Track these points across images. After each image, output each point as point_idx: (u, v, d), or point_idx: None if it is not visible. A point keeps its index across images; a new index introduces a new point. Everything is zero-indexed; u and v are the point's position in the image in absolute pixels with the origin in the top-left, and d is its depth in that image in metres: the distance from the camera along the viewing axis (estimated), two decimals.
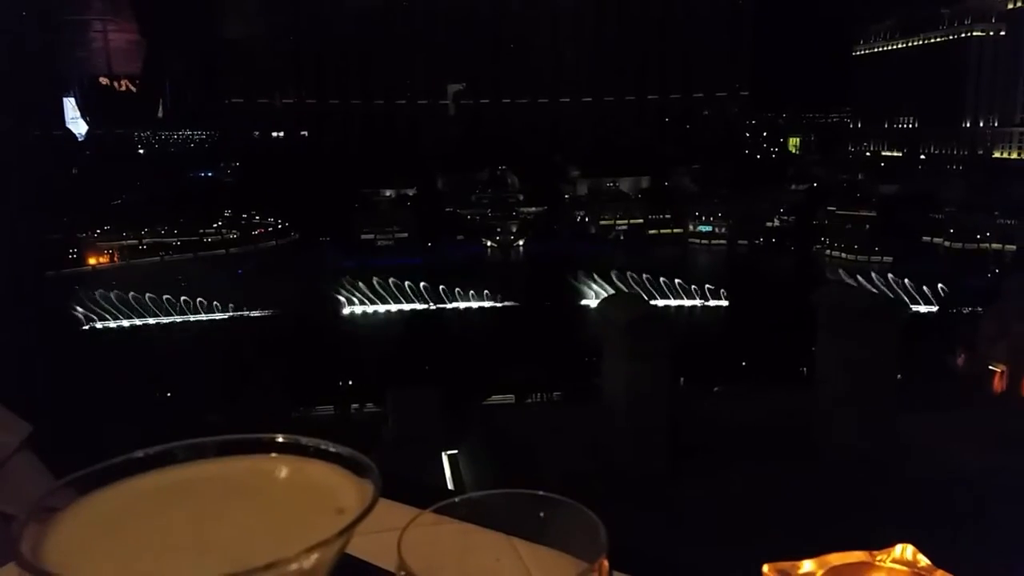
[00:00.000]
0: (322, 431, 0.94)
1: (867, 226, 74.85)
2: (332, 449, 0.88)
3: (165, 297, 65.01)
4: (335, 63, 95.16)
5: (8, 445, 1.80)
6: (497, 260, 78.19)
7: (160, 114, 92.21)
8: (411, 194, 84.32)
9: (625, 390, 9.63)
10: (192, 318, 64.78)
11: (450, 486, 12.32)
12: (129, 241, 75.20)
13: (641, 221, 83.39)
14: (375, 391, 33.88)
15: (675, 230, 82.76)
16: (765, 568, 1.27)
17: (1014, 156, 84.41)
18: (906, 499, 7.98)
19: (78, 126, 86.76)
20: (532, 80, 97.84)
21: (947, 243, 72.77)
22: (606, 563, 0.77)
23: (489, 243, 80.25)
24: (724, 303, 67.51)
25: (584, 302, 64.48)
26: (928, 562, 1.24)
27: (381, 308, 68.68)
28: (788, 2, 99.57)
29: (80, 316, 63.59)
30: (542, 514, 0.84)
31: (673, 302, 66.80)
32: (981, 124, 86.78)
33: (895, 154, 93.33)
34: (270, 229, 79.73)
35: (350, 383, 45.10)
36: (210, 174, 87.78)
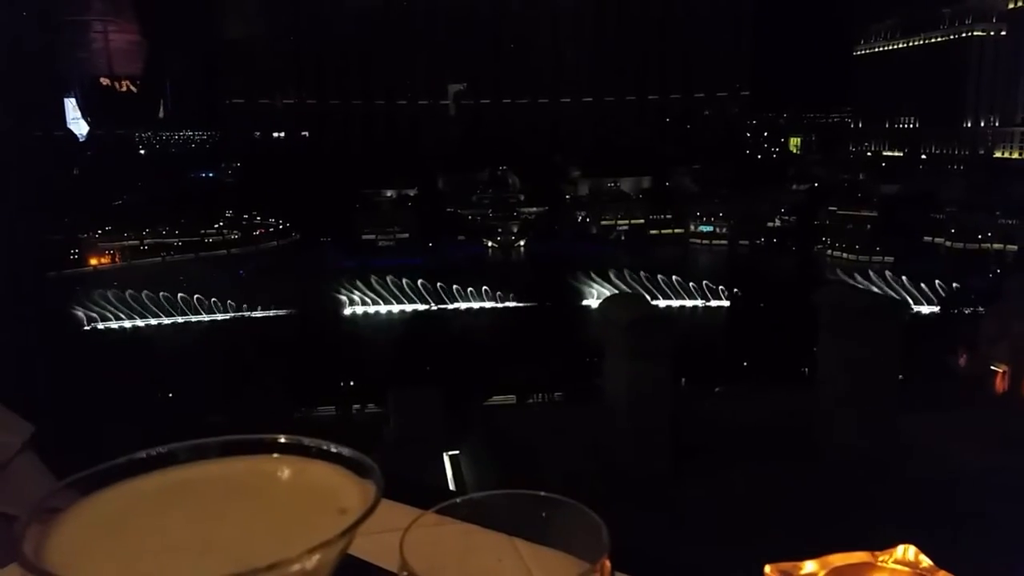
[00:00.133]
0: (323, 431, 0.95)
1: (868, 226, 74.81)
2: (334, 450, 0.88)
3: (165, 296, 65.04)
4: (336, 63, 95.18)
5: (10, 446, 1.80)
6: (498, 260, 78.19)
7: (161, 115, 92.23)
8: (412, 194, 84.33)
9: (626, 390, 9.62)
10: (193, 319, 64.82)
11: (452, 487, 12.32)
12: (130, 242, 75.21)
13: (642, 221, 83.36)
14: (376, 391, 33.88)
15: (676, 230, 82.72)
16: (767, 568, 1.28)
17: (1015, 156, 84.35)
18: (908, 499, 7.98)
19: (79, 126, 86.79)
20: (533, 80, 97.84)
21: (948, 243, 72.72)
22: (608, 563, 0.77)
23: (490, 243, 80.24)
24: (725, 303, 67.51)
25: (585, 302, 64.49)
26: (930, 562, 1.24)
27: (382, 308, 68.70)
28: (789, 2, 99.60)
29: (81, 316, 63.64)
30: (544, 514, 0.84)
31: (675, 302, 66.79)
32: (982, 124, 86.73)
33: (896, 154, 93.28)
34: (271, 229, 79.74)
35: (351, 383, 45.11)
36: (211, 174, 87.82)
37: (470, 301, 69.03)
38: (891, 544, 1.26)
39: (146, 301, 64.78)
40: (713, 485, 8.72)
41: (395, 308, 68.53)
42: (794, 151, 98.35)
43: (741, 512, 8.01)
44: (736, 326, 61.50)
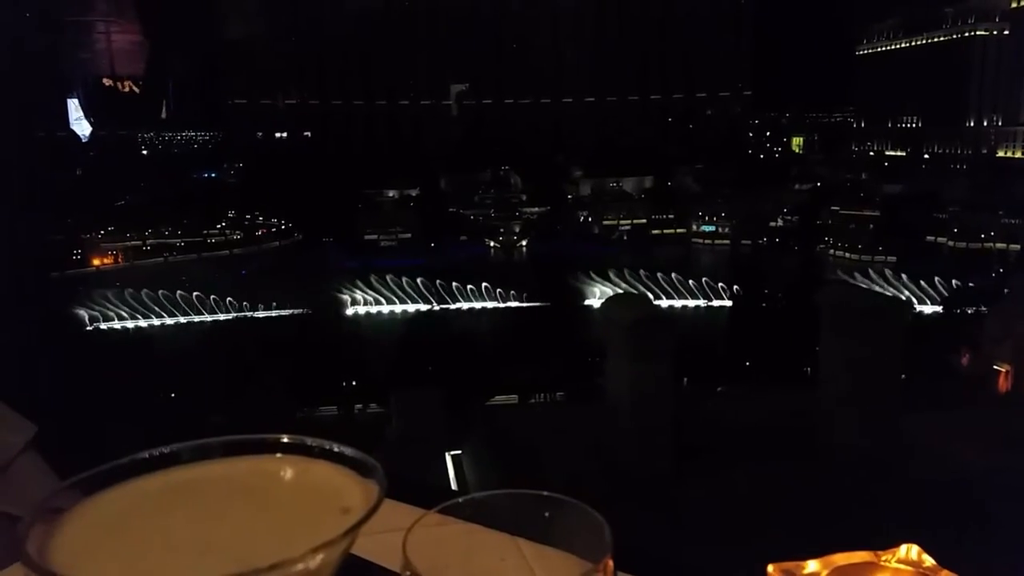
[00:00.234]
0: (326, 432, 0.95)
1: (871, 226, 74.74)
2: (337, 449, 0.88)
3: (168, 296, 65.13)
4: (338, 64, 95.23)
5: (13, 446, 1.80)
6: (500, 260, 78.21)
7: (164, 115, 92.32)
8: (414, 195, 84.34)
9: (629, 390, 9.62)
10: (196, 319, 64.90)
11: (454, 486, 12.33)
12: (133, 242, 75.30)
13: (644, 221, 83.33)
14: (378, 391, 33.91)
15: (678, 230, 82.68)
16: (770, 568, 1.28)
17: (1018, 155, 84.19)
18: (910, 499, 7.97)
19: (82, 127, 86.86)
20: (535, 80, 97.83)
21: (951, 242, 72.61)
22: (611, 563, 0.77)
23: (492, 243, 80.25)
24: (728, 303, 67.49)
25: (587, 302, 64.50)
26: (933, 562, 1.24)
27: (384, 308, 68.73)
28: (791, 1, 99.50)
29: (84, 317, 63.73)
30: (547, 514, 0.84)
31: (677, 302, 66.80)
32: (985, 123, 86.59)
33: (899, 153, 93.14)
34: (273, 230, 79.82)
35: (354, 384, 45.15)
36: (213, 175, 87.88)
37: (472, 301, 69.06)
38: (894, 543, 1.26)
39: (148, 301, 64.88)
40: (715, 485, 8.72)
41: (397, 308, 68.56)
42: (796, 151, 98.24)
43: (744, 512, 8.01)
44: (738, 326, 61.46)
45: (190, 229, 76.49)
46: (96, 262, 73.36)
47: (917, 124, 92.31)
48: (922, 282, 64.13)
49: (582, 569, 0.76)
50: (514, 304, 68.62)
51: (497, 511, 0.85)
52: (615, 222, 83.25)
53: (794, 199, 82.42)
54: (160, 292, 65.04)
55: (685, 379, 31.19)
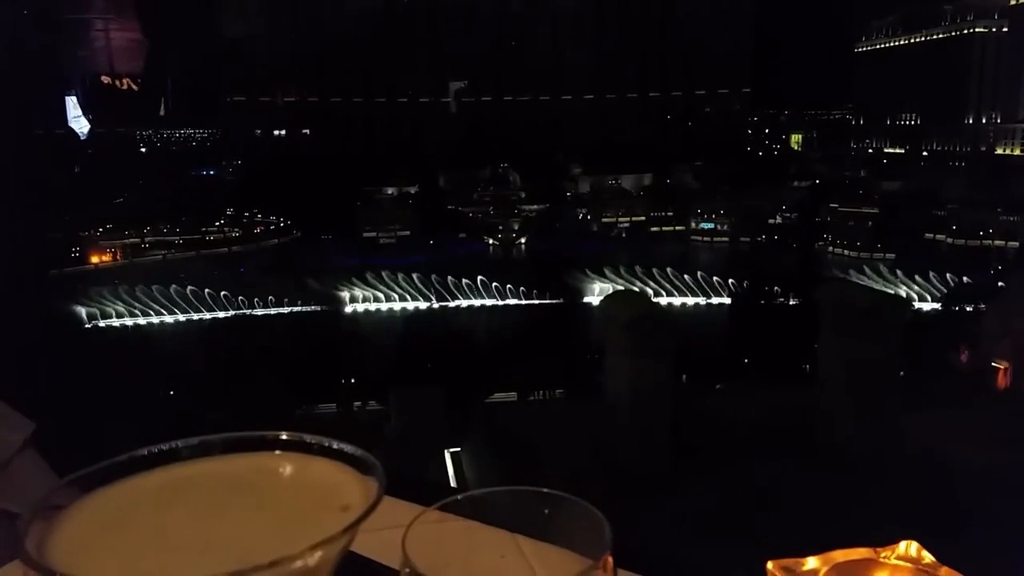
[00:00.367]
0: (325, 429, 0.95)
1: (869, 223, 74.75)
2: (336, 446, 0.88)
3: (165, 293, 65.13)
4: (337, 61, 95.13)
5: (11, 443, 1.80)
6: (499, 258, 78.19)
7: (162, 113, 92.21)
8: (413, 192, 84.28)
9: (628, 387, 9.63)
10: (195, 316, 64.90)
11: (453, 484, 12.34)
12: (131, 239, 75.25)
13: (643, 218, 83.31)
14: (378, 389, 33.89)
15: (677, 227, 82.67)
16: (769, 565, 1.28)
17: (1016, 152, 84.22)
18: (910, 496, 7.98)
19: (80, 125, 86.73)
20: (534, 78, 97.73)
21: (950, 240, 72.64)
22: (611, 560, 0.76)
23: (491, 241, 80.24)
24: (727, 300, 67.51)
25: (586, 299, 64.52)
26: (932, 559, 1.24)
27: (383, 306, 68.73)
28: None
29: (83, 315, 63.70)
30: (546, 511, 0.84)
31: (676, 299, 66.83)
32: (984, 121, 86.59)
33: (897, 151, 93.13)
34: (272, 227, 79.79)
35: (353, 381, 45.13)
36: (212, 172, 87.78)
37: (471, 298, 69.06)
38: (894, 540, 1.26)
39: (146, 299, 64.87)
40: (715, 482, 8.73)
41: (396, 305, 68.56)
42: (795, 148, 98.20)
43: (743, 509, 8.02)
44: (737, 323, 61.48)
45: (189, 226, 76.44)
46: (95, 259, 73.32)
47: (916, 121, 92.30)
48: (921, 279, 64.18)
49: (582, 566, 0.76)
50: (513, 301, 68.63)
51: (497, 508, 0.85)
52: (614, 219, 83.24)
53: (793, 196, 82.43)
54: (155, 287, 65.02)
55: (684, 376, 31.17)
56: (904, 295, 55.00)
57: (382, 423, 19.03)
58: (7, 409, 1.86)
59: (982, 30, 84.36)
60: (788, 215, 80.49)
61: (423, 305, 68.38)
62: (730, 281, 68.72)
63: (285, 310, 65.31)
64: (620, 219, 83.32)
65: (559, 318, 60.26)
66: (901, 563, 1.23)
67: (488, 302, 68.86)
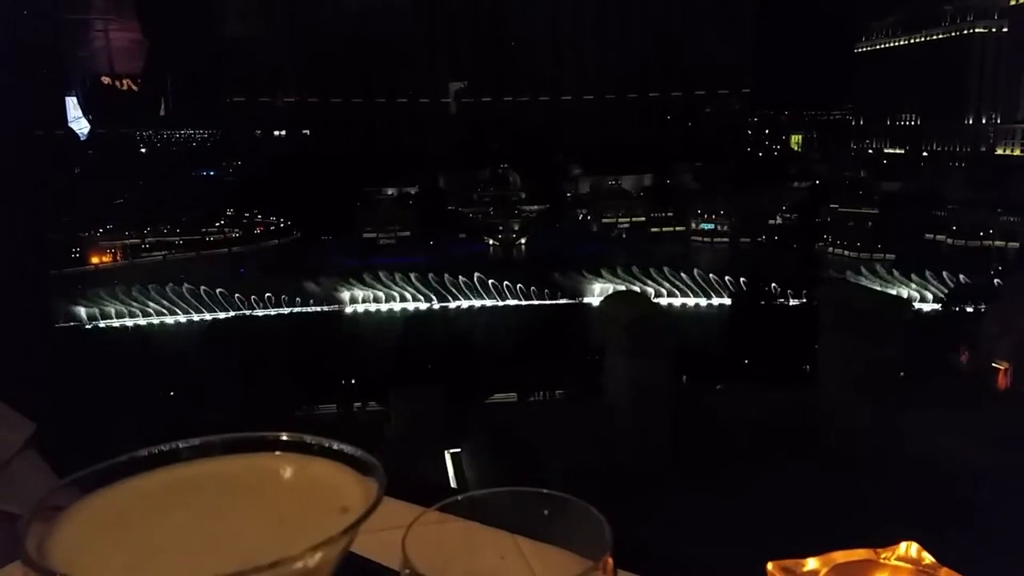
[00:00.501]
0: (325, 429, 0.95)
1: (869, 223, 74.76)
2: (336, 447, 0.88)
3: (165, 294, 65.14)
4: (336, 62, 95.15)
5: (12, 444, 1.80)
6: (499, 258, 78.22)
7: (162, 113, 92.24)
8: (413, 192, 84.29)
9: (627, 388, 9.63)
10: (195, 317, 64.91)
11: (453, 484, 12.34)
12: (132, 240, 75.30)
13: (643, 219, 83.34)
14: (378, 389, 33.90)
15: (677, 228, 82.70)
16: (770, 566, 1.28)
17: (1016, 153, 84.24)
18: (910, 496, 7.98)
19: (80, 125, 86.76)
20: (533, 78, 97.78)
21: (950, 240, 72.66)
22: (611, 561, 0.76)
23: (491, 241, 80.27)
24: (727, 301, 67.53)
25: (586, 300, 64.55)
26: (932, 559, 1.24)
27: (383, 307, 68.75)
28: (789, 0, 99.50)
29: (83, 315, 63.71)
30: (546, 512, 0.84)
31: (676, 300, 66.84)
32: (983, 121, 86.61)
33: (897, 151, 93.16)
34: (272, 228, 79.82)
35: (352, 381, 45.12)
36: (212, 173, 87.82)
37: (471, 299, 69.08)
38: (894, 541, 1.26)
39: (146, 299, 64.88)
40: (715, 482, 8.73)
41: (396, 306, 68.57)
42: (795, 148, 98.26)
43: (743, 509, 8.02)
44: (737, 323, 61.45)
45: (189, 227, 76.49)
46: (95, 260, 73.36)
47: (916, 122, 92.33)
48: (921, 280, 64.18)
49: (582, 567, 0.75)
50: (513, 302, 68.65)
51: (497, 509, 0.85)
52: (614, 220, 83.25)
53: (793, 197, 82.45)
54: (155, 287, 65.02)
55: (684, 377, 31.18)
56: (904, 296, 55.00)
57: (382, 424, 19.04)
58: (7, 409, 1.86)
59: (982, 30, 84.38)
60: (788, 215, 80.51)
61: (423, 306, 68.40)
62: (729, 280, 68.73)
63: (285, 310, 65.33)
64: (620, 220, 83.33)
65: (559, 318, 60.27)
66: (901, 564, 1.23)
67: (488, 302, 68.88)
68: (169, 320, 64.81)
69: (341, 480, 0.85)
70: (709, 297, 68.10)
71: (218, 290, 65.36)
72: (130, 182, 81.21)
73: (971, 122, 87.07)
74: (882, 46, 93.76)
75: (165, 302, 65.23)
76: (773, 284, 66.03)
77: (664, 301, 63.49)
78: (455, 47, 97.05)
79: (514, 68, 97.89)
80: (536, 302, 68.07)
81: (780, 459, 8.97)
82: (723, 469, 8.93)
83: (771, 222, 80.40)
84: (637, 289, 58.28)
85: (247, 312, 65.04)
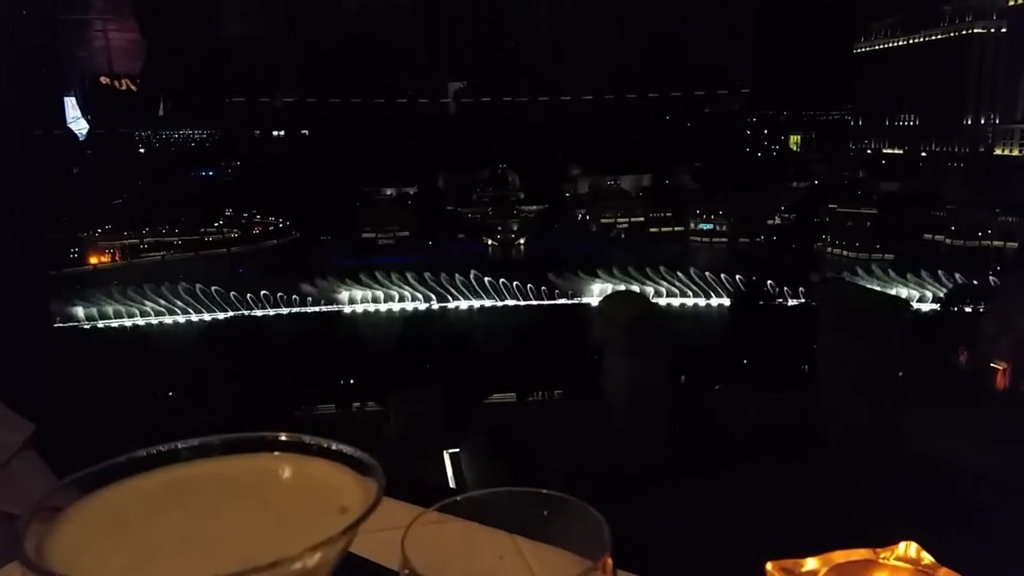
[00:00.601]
0: (324, 430, 0.94)
1: (868, 223, 74.79)
2: (335, 447, 0.88)
3: (164, 295, 65.11)
4: (335, 62, 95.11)
5: (10, 444, 1.79)
6: (498, 258, 78.21)
7: (161, 113, 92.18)
8: (412, 192, 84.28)
9: (626, 388, 9.63)
10: (194, 317, 64.88)
11: (452, 485, 12.33)
12: (130, 240, 75.24)
13: (642, 219, 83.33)
14: (376, 390, 33.90)
15: (676, 228, 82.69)
16: (769, 566, 1.28)
17: (1015, 153, 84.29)
18: (909, 496, 7.98)
19: (79, 125, 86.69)
20: (533, 78, 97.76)
21: (948, 240, 72.68)
22: (610, 561, 0.76)
23: (490, 241, 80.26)
24: (725, 301, 67.56)
25: (585, 300, 64.55)
26: (932, 559, 1.24)
27: (382, 307, 68.74)
28: (789, 0, 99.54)
29: (81, 315, 63.66)
30: (545, 512, 0.84)
31: (675, 300, 66.85)
32: (982, 121, 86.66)
33: (896, 151, 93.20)
34: (271, 228, 79.78)
35: (351, 382, 45.12)
36: (211, 173, 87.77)
37: (470, 299, 69.08)
38: (893, 541, 1.26)
39: (144, 300, 64.85)
40: (713, 482, 8.73)
41: (395, 306, 68.56)
42: (794, 149, 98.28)
43: (742, 509, 8.02)
44: (736, 323, 61.51)
45: (188, 227, 76.44)
46: (93, 260, 73.29)
47: (915, 122, 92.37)
48: (919, 280, 64.20)
49: (581, 567, 0.75)
50: (512, 302, 68.66)
51: (496, 509, 0.85)
52: (613, 220, 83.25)
53: (792, 197, 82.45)
54: (153, 288, 64.98)
55: (683, 377, 31.19)
56: (903, 295, 55.01)
57: (381, 424, 19.03)
58: (7, 410, 1.86)
59: (981, 31, 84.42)
60: (787, 216, 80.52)
61: (422, 306, 68.38)
62: (728, 280, 68.76)
63: (284, 311, 65.32)
64: (619, 220, 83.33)
65: (558, 319, 60.27)
66: (900, 564, 1.23)
67: (487, 303, 68.88)
68: (168, 320, 64.77)
69: (340, 480, 0.84)
70: (708, 297, 68.12)
71: (217, 290, 65.37)
72: (129, 182, 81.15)
73: (970, 122, 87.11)
74: (881, 46, 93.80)
75: (164, 302, 65.18)
76: (772, 284, 66.08)
77: (663, 301, 63.50)
78: (454, 47, 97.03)
79: (513, 68, 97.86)
80: (535, 302, 68.07)
81: (779, 459, 8.97)
82: (722, 469, 8.93)
83: (770, 222, 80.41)
84: (636, 289, 58.32)
85: (246, 312, 65.02)
